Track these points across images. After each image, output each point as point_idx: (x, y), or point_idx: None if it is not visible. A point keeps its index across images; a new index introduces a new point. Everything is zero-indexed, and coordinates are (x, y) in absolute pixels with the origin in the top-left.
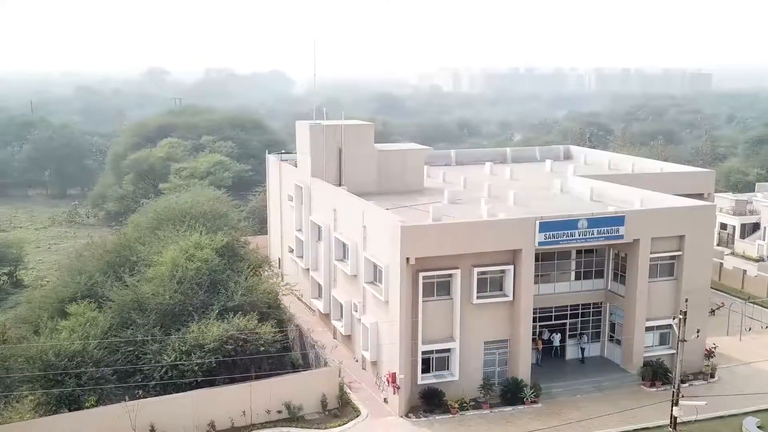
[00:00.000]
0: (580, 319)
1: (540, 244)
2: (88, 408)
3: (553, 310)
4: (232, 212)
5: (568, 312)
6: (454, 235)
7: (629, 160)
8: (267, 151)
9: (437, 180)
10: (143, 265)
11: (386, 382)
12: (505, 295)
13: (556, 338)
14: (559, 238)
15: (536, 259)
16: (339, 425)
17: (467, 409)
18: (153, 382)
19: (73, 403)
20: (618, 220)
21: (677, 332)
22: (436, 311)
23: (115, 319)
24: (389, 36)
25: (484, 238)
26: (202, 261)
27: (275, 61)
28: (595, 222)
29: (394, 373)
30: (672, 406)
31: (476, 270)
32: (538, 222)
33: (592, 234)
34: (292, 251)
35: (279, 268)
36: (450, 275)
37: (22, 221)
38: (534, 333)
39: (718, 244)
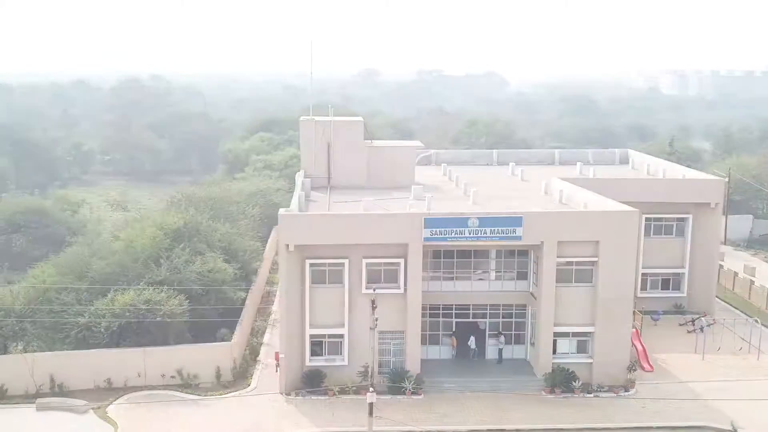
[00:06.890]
0: (501, 319)
1: (426, 239)
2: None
3: (471, 307)
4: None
5: (488, 311)
6: (336, 226)
7: (663, 166)
8: None
9: (436, 178)
10: None
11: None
12: (396, 288)
13: (472, 340)
14: (447, 235)
15: (450, 256)
16: (220, 394)
17: (347, 394)
18: (68, 339)
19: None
20: (515, 220)
21: None
22: (326, 298)
23: (56, 283)
24: (619, 36)
25: (369, 231)
26: (149, 239)
27: (492, 62)
28: (487, 221)
29: (277, 353)
30: (368, 393)
31: (365, 261)
32: (423, 218)
33: (485, 233)
34: None
35: None
36: (341, 264)
37: (146, 202)
38: (450, 330)
39: None
